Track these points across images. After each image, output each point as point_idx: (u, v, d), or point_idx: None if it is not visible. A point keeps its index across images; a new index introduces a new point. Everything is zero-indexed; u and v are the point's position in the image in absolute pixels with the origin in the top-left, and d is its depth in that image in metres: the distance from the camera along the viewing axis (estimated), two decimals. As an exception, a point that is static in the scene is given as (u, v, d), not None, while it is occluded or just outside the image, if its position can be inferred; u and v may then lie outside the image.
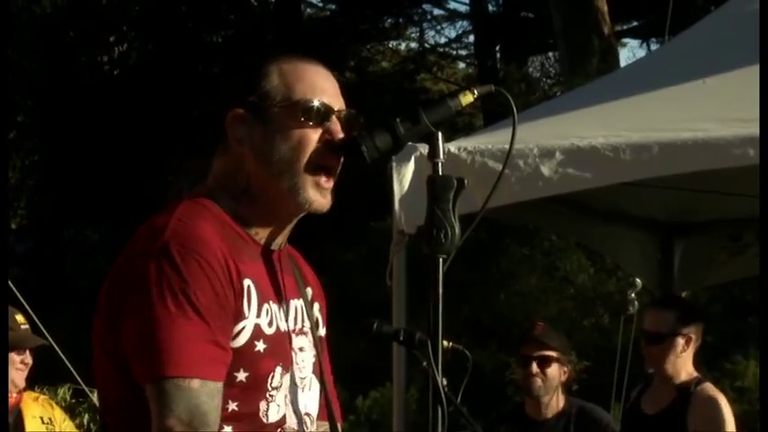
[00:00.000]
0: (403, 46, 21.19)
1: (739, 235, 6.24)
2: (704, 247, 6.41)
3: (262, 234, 2.55)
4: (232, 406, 2.42)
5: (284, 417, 2.51)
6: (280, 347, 2.50)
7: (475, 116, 17.08)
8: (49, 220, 17.73)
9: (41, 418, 5.41)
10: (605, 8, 14.75)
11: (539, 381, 5.39)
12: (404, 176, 4.46)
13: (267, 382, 2.47)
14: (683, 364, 5.17)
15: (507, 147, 2.80)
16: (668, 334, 5.14)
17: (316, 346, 2.64)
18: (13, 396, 5.29)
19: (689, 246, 6.38)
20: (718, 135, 4.18)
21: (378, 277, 4.78)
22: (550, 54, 19.95)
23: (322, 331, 2.71)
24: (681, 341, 5.14)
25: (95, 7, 17.82)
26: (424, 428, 2.46)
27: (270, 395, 2.48)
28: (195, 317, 2.33)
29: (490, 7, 19.53)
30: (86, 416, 10.12)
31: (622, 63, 15.50)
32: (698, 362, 5.30)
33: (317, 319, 2.70)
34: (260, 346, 2.45)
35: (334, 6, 20.20)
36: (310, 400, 2.60)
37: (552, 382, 5.41)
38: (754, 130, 4.09)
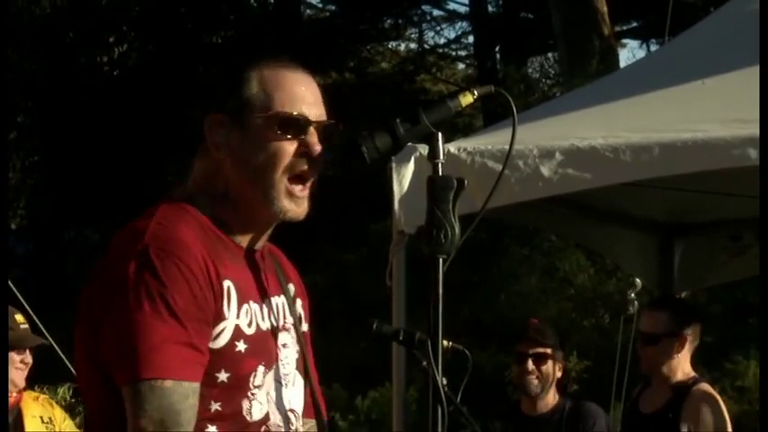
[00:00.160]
0: (402, 47, 21.20)
1: (739, 235, 6.24)
2: (704, 248, 6.41)
3: (241, 236, 2.57)
4: (215, 406, 2.44)
5: (267, 414, 2.53)
6: (261, 346, 2.52)
7: (475, 117, 17.07)
8: (50, 220, 17.72)
9: (41, 418, 5.41)
10: (605, 9, 14.75)
11: (534, 377, 5.42)
12: (404, 177, 4.46)
13: (249, 381, 2.49)
14: (679, 365, 5.17)
15: (507, 147, 2.81)
16: (662, 334, 5.15)
17: (299, 342, 2.66)
18: (12, 395, 5.29)
19: (689, 246, 6.38)
20: (718, 136, 4.18)
21: (378, 277, 4.78)
22: (550, 55, 19.95)
23: (305, 327, 2.73)
24: (675, 341, 5.15)
25: (95, 8, 17.81)
26: (423, 428, 2.46)
27: (252, 394, 2.50)
28: (171, 319, 2.36)
29: (490, 8, 19.52)
30: (86, 416, 10.11)
31: (622, 64, 15.50)
32: (698, 362, 5.30)
33: (300, 316, 2.72)
34: (241, 346, 2.47)
35: (333, 7, 20.19)
36: (294, 396, 2.62)
37: (548, 379, 5.43)
38: (753, 130, 4.09)
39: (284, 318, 2.63)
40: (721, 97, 4.62)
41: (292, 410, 2.61)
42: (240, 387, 2.48)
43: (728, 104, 4.50)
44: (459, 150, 4.40)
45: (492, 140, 4.49)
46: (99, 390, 2.45)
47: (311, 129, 2.54)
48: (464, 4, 20.03)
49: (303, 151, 2.53)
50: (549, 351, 5.45)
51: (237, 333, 2.46)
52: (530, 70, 19.81)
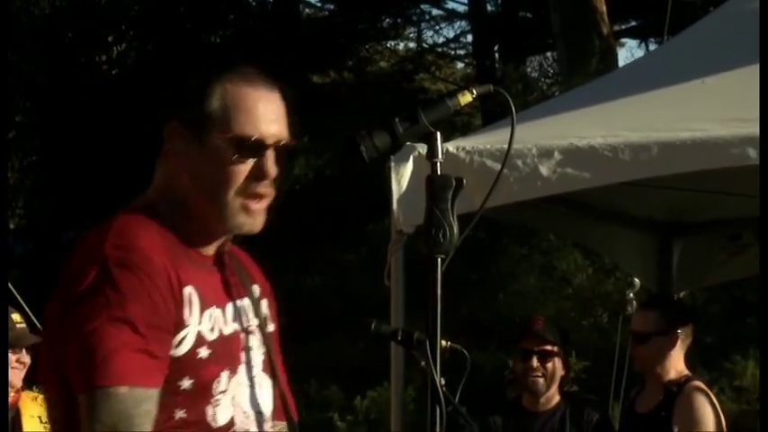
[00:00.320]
0: (401, 46, 21.18)
1: (738, 235, 6.24)
2: (703, 247, 6.41)
3: (201, 243, 2.58)
4: (180, 414, 2.45)
5: (232, 419, 2.54)
6: (225, 351, 2.53)
7: (473, 116, 17.06)
8: (49, 220, 17.71)
9: (40, 418, 5.41)
10: (604, 8, 14.75)
11: (539, 375, 5.41)
12: (402, 176, 4.46)
13: (212, 387, 2.50)
14: (671, 363, 5.17)
15: (506, 146, 2.80)
16: (653, 333, 5.15)
17: (265, 343, 2.66)
18: (10, 395, 5.28)
19: (688, 246, 6.38)
20: (718, 135, 4.17)
21: (376, 277, 4.78)
22: (549, 54, 19.94)
23: (271, 327, 2.72)
24: (667, 340, 5.15)
25: (94, 7, 17.80)
26: (422, 428, 2.46)
27: (215, 400, 2.50)
28: (127, 328, 2.36)
29: (489, 7, 19.52)
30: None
31: (621, 63, 15.50)
32: (697, 362, 5.31)
33: (266, 317, 2.72)
34: (203, 352, 2.47)
35: (332, 6, 20.18)
36: (261, 398, 2.62)
37: (553, 377, 5.43)
38: (753, 129, 4.09)
39: (249, 320, 2.64)
40: (720, 96, 4.61)
41: (260, 413, 2.61)
42: (203, 394, 2.48)
43: (728, 104, 4.50)
44: (457, 149, 4.40)
45: (491, 140, 4.49)
46: (62, 400, 2.46)
47: (268, 152, 2.54)
48: (463, 4, 20.04)
49: (258, 174, 2.53)
50: (555, 348, 5.44)
51: (200, 340, 2.47)
52: (528, 69, 19.81)
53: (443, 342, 2.53)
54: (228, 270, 2.62)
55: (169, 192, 2.57)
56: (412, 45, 21.17)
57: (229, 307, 2.58)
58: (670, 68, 5.21)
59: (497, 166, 4.13)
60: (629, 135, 4.32)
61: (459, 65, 22.25)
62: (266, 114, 2.55)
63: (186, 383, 2.45)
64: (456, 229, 2.48)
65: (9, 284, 5.90)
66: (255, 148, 2.52)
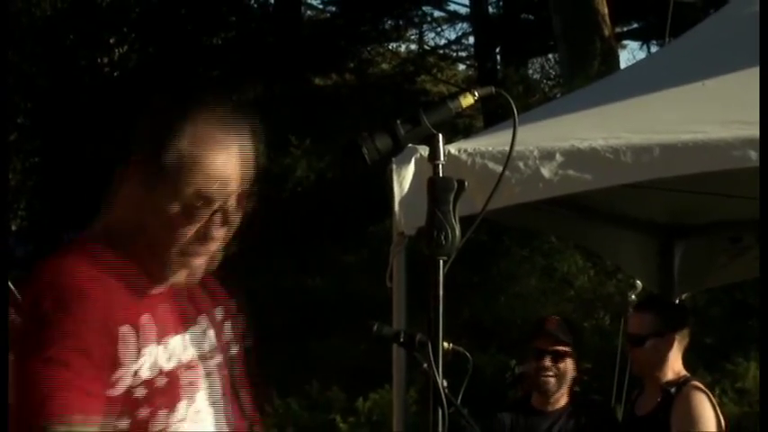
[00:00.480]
0: (403, 48, 21.19)
1: (739, 237, 6.24)
2: (704, 250, 6.41)
3: (157, 271, 2.54)
4: None
5: None
6: (177, 382, 2.50)
7: (475, 118, 17.06)
8: (50, 222, 17.71)
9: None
10: (605, 10, 14.75)
11: (551, 374, 5.40)
12: (404, 178, 4.45)
13: (171, 416, 2.47)
14: (668, 365, 5.16)
15: (507, 148, 2.81)
16: (649, 335, 5.15)
17: (228, 365, 2.64)
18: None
19: (689, 248, 6.38)
20: (719, 137, 4.17)
21: (378, 279, 4.78)
22: (550, 56, 19.95)
23: (235, 349, 2.69)
24: (662, 342, 5.14)
25: (95, 9, 17.81)
26: (424, 430, 2.46)
27: (174, 427, 2.48)
28: (61, 368, 2.34)
29: (490, 9, 19.52)
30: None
31: (622, 65, 15.51)
32: (699, 364, 5.30)
33: (229, 339, 2.69)
34: (140, 392, 2.43)
35: (334, 8, 20.18)
36: (222, 421, 2.59)
37: (564, 377, 5.42)
38: (754, 131, 4.08)
39: (210, 344, 2.62)
40: (722, 98, 4.61)
41: None
42: (163, 423, 2.46)
43: (729, 106, 4.49)
44: (459, 151, 4.40)
45: (492, 142, 4.49)
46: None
47: (215, 216, 2.49)
48: (465, 6, 20.05)
49: (202, 238, 2.49)
50: (568, 349, 5.44)
51: (138, 377, 2.43)
52: (530, 71, 19.82)
53: (445, 344, 2.53)
54: (188, 295, 2.59)
55: (122, 222, 2.54)
56: (413, 47, 21.20)
57: (190, 332, 2.56)
58: (671, 71, 5.21)
59: (499, 168, 4.13)
60: (631, 137, 4.32)
61: (461, 67, 22.27)
62: (225, 170, 2.49)
63: (123, 424, 2.41)
64: (458, 232, 2.48)
65: (10, 284, 5.89)
66: (207, 207, 2.48)
